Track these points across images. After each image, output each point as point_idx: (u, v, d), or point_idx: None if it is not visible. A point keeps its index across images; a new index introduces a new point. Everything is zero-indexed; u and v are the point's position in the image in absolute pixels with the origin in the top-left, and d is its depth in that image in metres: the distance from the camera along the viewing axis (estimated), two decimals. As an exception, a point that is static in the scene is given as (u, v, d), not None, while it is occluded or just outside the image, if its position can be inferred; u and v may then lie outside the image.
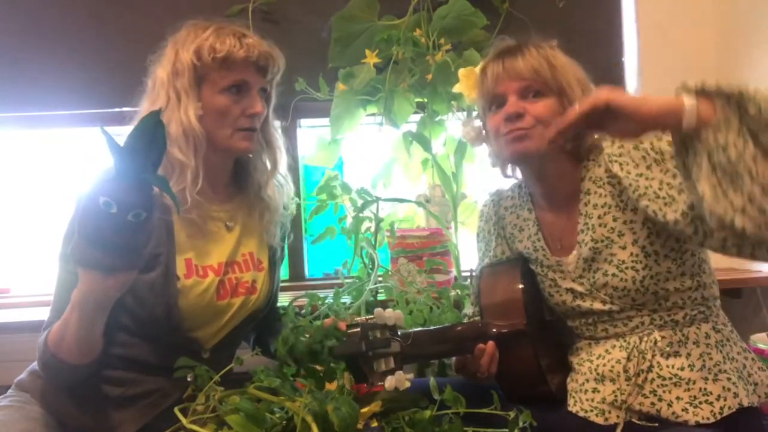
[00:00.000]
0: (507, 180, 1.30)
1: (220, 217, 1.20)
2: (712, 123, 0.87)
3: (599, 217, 1.12)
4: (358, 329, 0.91)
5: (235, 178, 1.26)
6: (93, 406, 1.10)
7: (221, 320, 1.16)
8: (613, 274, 1.09)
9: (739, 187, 0.86)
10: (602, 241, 1.11)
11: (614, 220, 1.10)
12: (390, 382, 0.90)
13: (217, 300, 1.15)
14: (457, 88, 1.50)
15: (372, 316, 0.94)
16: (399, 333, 0.97)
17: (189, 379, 1.00)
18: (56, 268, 1.09)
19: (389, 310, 0.96)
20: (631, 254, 1.08)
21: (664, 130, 0.97)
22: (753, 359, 1.13)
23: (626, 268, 1.08)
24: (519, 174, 1.25)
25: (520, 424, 0.99)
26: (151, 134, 0.82)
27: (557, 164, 1.15)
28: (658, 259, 1.07)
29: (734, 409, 1.02)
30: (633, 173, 1.06)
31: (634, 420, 1.07)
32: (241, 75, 1.13)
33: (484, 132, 1.24)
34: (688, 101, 0.89)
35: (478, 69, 1.22)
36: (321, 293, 1.49)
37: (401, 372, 0.93)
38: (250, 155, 1.25)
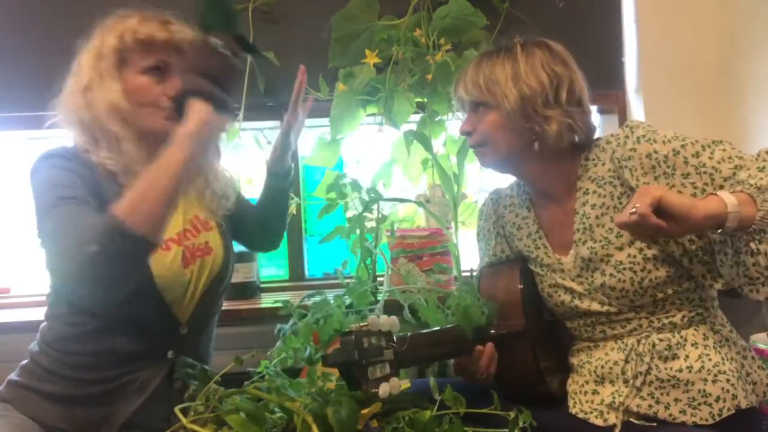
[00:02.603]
0: (506, 179, 1.31)
1: None
2: (750, 229, 0.89)
3: (597, 217, 1.11)
4: (352, 337, 0.89)
5: None
6: (76, 405, 1.10)
7: (190, 288, 1.17)
8: (611, 275, 1.09)
9: (756, 285, 0.94)
10: (600, 241, 1.10)
11: (612, 221, 1.10)
12: (384, 389, 0.89)
13: (184, 267, 1.16)
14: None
15: (366, 324, 0.92)
16: (395, 338, 0.96)
17: (170, 357, 1.02)
18: (49, 209, 1.01)
19: (383, 317, 0.94)
20: (629, 255, 1.08)
21: (707, 230, 0.98)
22: (753, 358, 1.13)
23: (624, 269, 1.08)
24: None
25: (520, 424, 0.99)
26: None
27: (534, 165, 1.16)
28: (657, 263, 1.07)
29: (732, 411, 1.02)
30: (641, 181, 1.05)
31: (632, 420, 1.07)
32: (163, 56, 1.15)
33: None
34: (732, 208, 0.88)
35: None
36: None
37: (396, 378, 0.91)
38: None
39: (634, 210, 0.89)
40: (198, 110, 1.00)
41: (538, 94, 1.10)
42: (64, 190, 1.04)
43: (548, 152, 1.14)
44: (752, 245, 0.90)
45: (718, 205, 0.89)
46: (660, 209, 0.88)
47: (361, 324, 0.93)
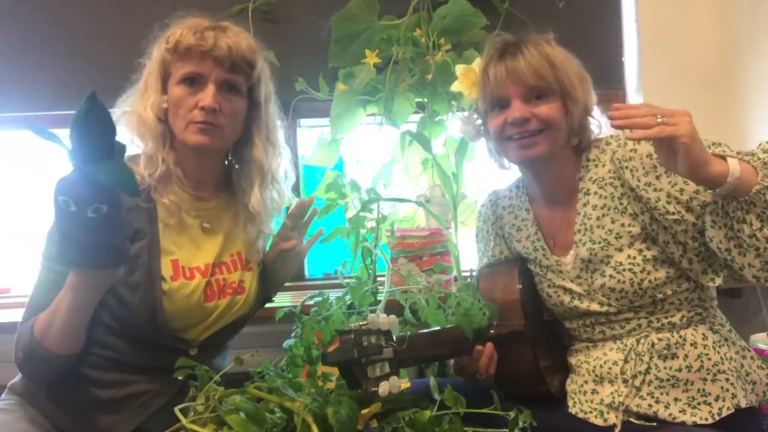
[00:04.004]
0: (505, 178, 1.31)
1: (198, 215, 1.18)
2: (741, 197, 0.91)
3: (597, 218, 1.11)
4: (351, 336, 0.89)
5: (227, 177, 1.25)
6: (85, 409, 1.09)
7: (208, 321, 1.16)
8: (611, 276, 1.09)
9: (743, 253, 0.96)
10: (599, 242, 1.10)
11: (612, 222, 1.10)
12: (384, 388, 0.88)
13: (205, 302, 1.14)
14: (455, 87, 1.43)
15: (365, 322, 0.92)
16: (394, 337, 0.96)
17: (180, 378, 0.99)
18: (38, 264, 1.09)
19: (383, 316, 0.94)
20: (629, 256, 1.08)
21: (701, 185, 0.98)
22: (752, 357, 1.13)
23: (623, 270, 1.08)
24: (515, 166, 1.25)
25: (520, 424, 0.99)
26: (85, 121, 0.78)
27: (560, 162, 1.15)
28: (656, 264, 1.07)
29: (732, 411, 1.02)
30: (643, 181, 1.05)
31: (632, 420, 1.07)
32: (195, 67, 1.10)
33: (482, 128, 1.23)
34: (733, 174, 0.90)
35: (478, 68, 1.21)
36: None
37: (396, 377, 0.91)
38: (232, 158, 1.24)
39: (661, 120, 0.89)
40: (74, 275, 0.93)
41: (588, 87, 1.13)
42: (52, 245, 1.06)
43: (567, 150, 1.15)
44: (739, 213, 0.93)
45: (722, 171, 0.90)
46: (678, 146, 0.89)
47: (360, 323, 0.92)
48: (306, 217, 1.30)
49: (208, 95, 1.10)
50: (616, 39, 1.92)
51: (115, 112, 1.15)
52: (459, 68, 1.32)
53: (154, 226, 1.11)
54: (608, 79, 1.90)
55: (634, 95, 1.91)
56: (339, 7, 1.73)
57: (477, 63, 1.24)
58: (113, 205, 0.84)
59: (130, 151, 1.13)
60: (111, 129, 0.81)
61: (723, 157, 0.92)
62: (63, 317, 0.98)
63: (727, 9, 1.83)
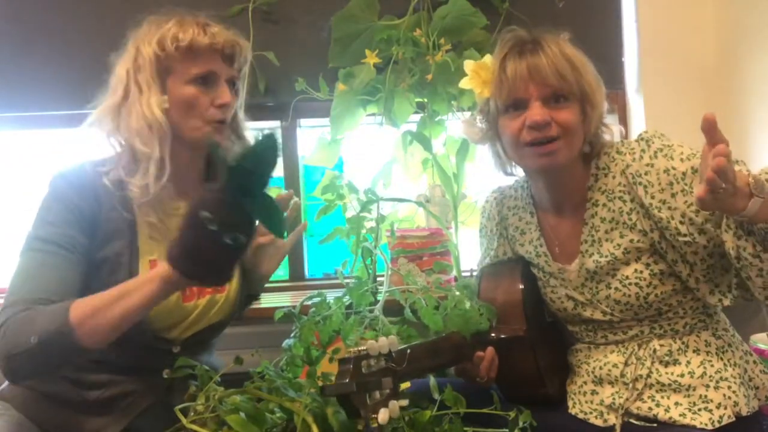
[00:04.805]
0: (508, 178, 1.30)
1: (178, 214, 1.15)
2: (746, 224, 0.91)
3: (606, 232, 1.09)
4: (350, 366, 0.85)
5: (207, 175, 1.23)
6: (72, 411, 1.09)
7: (187, 321, 1.15)
8: (616, 288, 1.08)
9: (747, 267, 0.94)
10: (606, 256, 1.09)
11: (621, 236, 1.08)
12: (383, 416, 0.85)
13: (184, 302, 1.13)
14: (464, 84, 1.29)
15: (365, 348, 0.89)
16: (393, 354, 0.92)
17: (165, 377, 0.98)
18: (25, 248, 1.05)
19: (382, 339, 0.91)
20: (635, 270, 1.07)
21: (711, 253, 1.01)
22: (755, 362, 1.12)
23: (629, 284, 1.07)
24: (520, 171, 1.22)
25: (520, 424, 0.99)
26: (263, 157, 0.80)
27: (572, 170, 1.12)
28: (663, 278, 1.06)
29: (733, 419, 1.01)
30: (657, 198, 1.02)
31: (632, 421, 1.07)
32: (207, 65, 1.10)
33: (490, 131, 1.17)
34: (749, 211, 0.85)
35: (492, 63, 1.13)
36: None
37: (395, 401, 0.88)
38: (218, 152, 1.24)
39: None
40: (175, 278, 0.89)
41: (603, 92, 1.11)
42: (46, 229, 1.04)
43: (578, 158, 1.11)
44: (741, 231, 0.93)
45: (743, 206, 0.85)
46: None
47: (360, 348, 0.89)
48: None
49: (225, 93, 1.11)
50: (616, 39, 1.92)
51: (98, 124, 1.12)
52: (468, 64, 1.22)
53: (132, 226, 1.09)
54: (608, 79, 1.86)
55: (634, 95, 1.91)
56: (339, 7, 1.72)
57: (488, 59, 1.17)
58: (251, 237, 0.85)
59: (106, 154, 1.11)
60: (275, 168, 0.83)
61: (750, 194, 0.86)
62: (124, 310, 0.92)
63: (727, 9, 1.83)
